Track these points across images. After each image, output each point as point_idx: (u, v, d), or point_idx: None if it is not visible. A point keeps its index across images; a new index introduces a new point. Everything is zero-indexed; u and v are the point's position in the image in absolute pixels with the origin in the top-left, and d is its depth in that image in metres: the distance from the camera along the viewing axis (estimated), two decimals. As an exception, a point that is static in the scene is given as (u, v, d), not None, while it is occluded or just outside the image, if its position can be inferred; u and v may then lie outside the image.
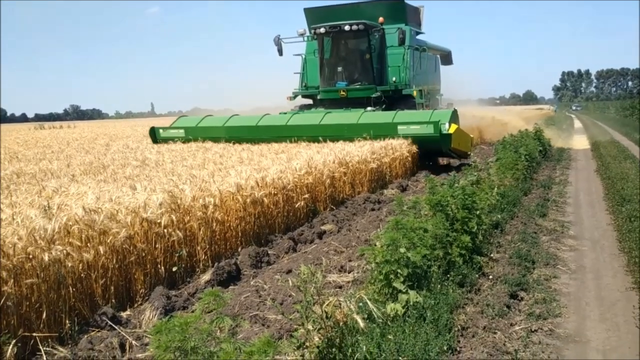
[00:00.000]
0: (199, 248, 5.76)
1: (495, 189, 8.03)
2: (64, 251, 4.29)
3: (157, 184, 6.45)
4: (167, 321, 2.48)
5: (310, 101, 17.62)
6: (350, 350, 3.24)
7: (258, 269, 5.80)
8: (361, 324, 3.37)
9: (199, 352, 2.41)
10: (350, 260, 5.75)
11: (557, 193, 10.38)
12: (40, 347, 3.85)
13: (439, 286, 4.48)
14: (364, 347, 3.29)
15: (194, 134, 14.17)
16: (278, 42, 16.21)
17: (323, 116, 13.63)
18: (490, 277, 5.38)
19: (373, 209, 8.57)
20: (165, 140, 14.43)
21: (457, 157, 13.89)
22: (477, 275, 5.22)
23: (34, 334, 3.92)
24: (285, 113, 15.63)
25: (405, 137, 12.23)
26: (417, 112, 14.18)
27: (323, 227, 7.34)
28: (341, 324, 3.39)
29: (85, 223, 4.67)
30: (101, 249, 4.62)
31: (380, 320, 3.74)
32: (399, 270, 4.14)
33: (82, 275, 4.47)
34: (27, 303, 4.00)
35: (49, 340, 3.97)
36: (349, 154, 9.93)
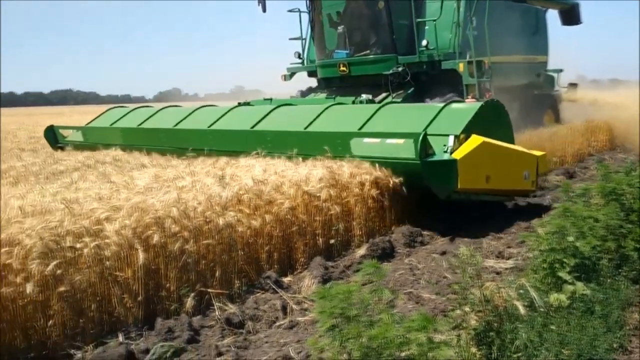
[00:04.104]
0: (354, 223, 5.91)
1: (682, 179, 7.16)
2: (236, 217, 4.67)
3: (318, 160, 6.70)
4: (329, 288, 2.61)
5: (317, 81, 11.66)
6: (508, 336, 3.15)
7: (411, 248, 5.82)
8: (522, 310, 3.26)
9: (359, 321, 2.50)
10: (509, 247, 5.54)
11: None
12: (214, 302, 4.27)
13: (608, 280, 4.15)
14: (524, 334, 3.17)
15: (96, 139, 9.79)
16: None
17: (265, 115, 8.13)
18: (671, 276, 4.84)
19: (535, 196, 8.11)
20: (68, 145, 10.25)
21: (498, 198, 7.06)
22: (655, 273, 4.73)
23: (209, 290, 4.34)
24: (249, 104, 10.06)
25: (372, 161, 6.12)
26: (419, 108, 7.89)
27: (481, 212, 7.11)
28: (500, 309, 3.31)
29: (254, 193, 5.03)
30: (267, 217, 4.94)
31: (542, 310, 3.57)
32: (565, 260, 3.90)
33: (249, 240, 4.83)
34: (204, 262, 4.43)
35: (221, 297, 4.36)
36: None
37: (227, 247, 4.57)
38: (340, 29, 10.18)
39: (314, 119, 7.48)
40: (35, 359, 3.57)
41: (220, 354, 3.57)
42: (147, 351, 3.63)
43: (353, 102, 8.59)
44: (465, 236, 6.06)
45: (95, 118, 10.98)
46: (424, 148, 5.76)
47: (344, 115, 7.70)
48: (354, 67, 10.14)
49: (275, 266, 4.99)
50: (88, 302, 3.83)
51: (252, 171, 5.81)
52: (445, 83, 9.57)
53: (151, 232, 4.16)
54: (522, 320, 3.29)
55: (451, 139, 5.95)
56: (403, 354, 2.38)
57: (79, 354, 3.58)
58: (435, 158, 5.84)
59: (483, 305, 3.20)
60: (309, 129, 7.26)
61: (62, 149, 10.24)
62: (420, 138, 5.70)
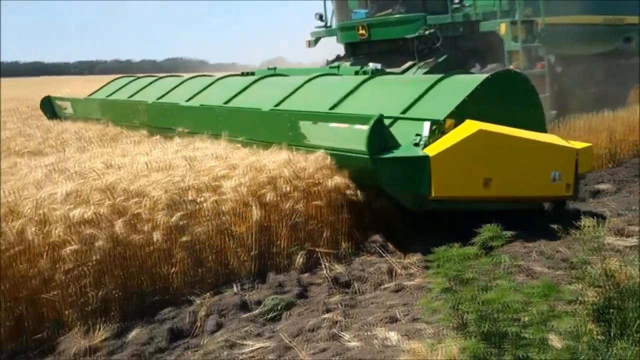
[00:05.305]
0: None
1: None
2: (344, 181, 4.72)
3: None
4: (445, 250, 2.60)
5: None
6: (630, 314, 2.99)
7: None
8: (647, 289, 3.07)
9: (474, 284, 2.48)
10: (630, 224, 5.19)
11: None
12: (321, 262, 4.38)
13: None
14: (648, 314, 3.00)
15: (82, 112, 9.02)
16: None
17: (243, 89, 6.80)
18: None
19: (658, 173, 7.53)
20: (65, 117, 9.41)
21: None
22: None
23: (317, 249, 4.46)
24: (244, 74, 8.47)
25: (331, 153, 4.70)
26: (411, 82, 6.18)
27: (598, 186, 6.74)
28: (621, 286, 3.15)
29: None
30: (375, 182, 4.95)
31: (669, 291, 3.35)
32: (697, 240, 3.61)
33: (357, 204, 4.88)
34: (313, 222, 4.55)
35: (328, 257, 4.47)
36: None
37: (335, 209, 4.65)
38: None
39: (289, 95, 6.08)
40: (159, 302, 3.87)
41: (328, 311, 3.68)
42: (259, 302, 3.83)
43: (356, 73, 6.78)
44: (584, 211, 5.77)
45: (100, 88, 10.03)
46: (380, 138, 4.24)
47: (326, 89, 6.13)
48: (374, 30, 8.49)
49: (382, 231, 5.01)
50: (206, 253, 4.08)
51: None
52: (486, 49, 7.96)
53: (265, 190, 4.32)
54: (646, 300, 3.11)
55: (426, 126, 4.43)
56: (520, 321, 2.34)
57: (197, 301, 3.84)
58: (394, 154, 4.27)
59: (604, 280, 3.05)
60: (280, 107, 5.87)
61: (59, 120, 9.41)
62: (372, 124, 4.15)
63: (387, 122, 4.52)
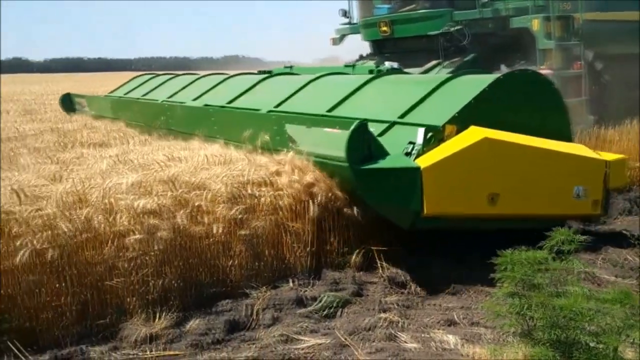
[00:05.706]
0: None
1: None
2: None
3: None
4: (512, 253, 2.51)
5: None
6: None
7: (585, 225, 5.41)
8: None
9: (543, 290, 2.39)
10: None
11: None
12: (377, 261, 4.32)
13: None
14: None
15: (96, 109, 9.20)
16: None
17: (249, 88, 6.66)
18: None
19: None
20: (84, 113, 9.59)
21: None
22: None
23: (373, 248, 4.40)
24: (260, 72, 7.85)
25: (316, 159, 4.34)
26: (418, 82, 5.63)
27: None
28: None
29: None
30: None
31: None
32: None
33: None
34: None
35: (384, 256, 4.39)
36: None
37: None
38: None
39: (290, 95, 5.81)
40: (217, 293, 3.91)
41: (384, 310, 3.64)
42: (314, 299, 3.83)
43: (370, 72, 6.12)
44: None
45: (122, 85, 10.22)
46: (363, 145, 3.78)
47: (328, 90, 5.76)
48: (397, 27, 8.07)
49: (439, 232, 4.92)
50: (263, 248, 4.11)
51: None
52: (518, 48, 7.47)
53: (314, 190, 4.25)
54: None
55: (420, 133, 3.94)
56: (592, 328, 2.23)
57: (254, 294, 3.87)
58: (379, 164, 3.79)
59: (680, 291, 2.90)
60: (279, 108, 5.66)
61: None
62: (352, 129, 3.71)
63: (382, 127, 4.23)
